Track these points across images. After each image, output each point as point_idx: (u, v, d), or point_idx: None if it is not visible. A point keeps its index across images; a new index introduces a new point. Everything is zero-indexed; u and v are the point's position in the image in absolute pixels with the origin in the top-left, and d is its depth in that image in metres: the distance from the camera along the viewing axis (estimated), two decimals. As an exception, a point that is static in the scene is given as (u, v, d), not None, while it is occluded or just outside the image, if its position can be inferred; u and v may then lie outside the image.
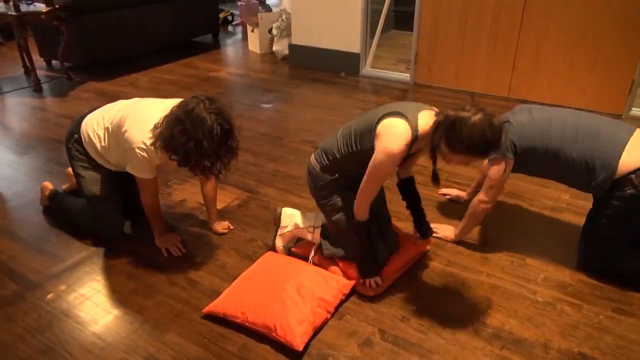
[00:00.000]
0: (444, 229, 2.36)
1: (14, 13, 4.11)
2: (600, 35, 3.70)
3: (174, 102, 2.04)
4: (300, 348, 1.71)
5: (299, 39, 5.04)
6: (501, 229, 2.40)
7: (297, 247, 2.23)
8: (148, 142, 1.97)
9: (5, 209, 2.62)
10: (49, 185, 2.58)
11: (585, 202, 2.64)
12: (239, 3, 6.75)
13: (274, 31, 5.42)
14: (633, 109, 3.81)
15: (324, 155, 1.98)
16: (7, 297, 2.01)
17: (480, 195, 2.16)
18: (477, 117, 1.63)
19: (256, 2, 6.64)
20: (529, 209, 2.62)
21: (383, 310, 1.94)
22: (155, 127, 1.94)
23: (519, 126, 2.07)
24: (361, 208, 1.90)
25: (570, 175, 2.04)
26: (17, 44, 4.44)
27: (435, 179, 1.78)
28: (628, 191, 1.91)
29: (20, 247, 2.32)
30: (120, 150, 2.09)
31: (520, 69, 4.08)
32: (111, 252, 2.28)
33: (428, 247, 2.25)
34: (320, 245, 2.12)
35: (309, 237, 2.17)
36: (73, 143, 2.25)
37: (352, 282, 2.01)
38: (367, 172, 1.80)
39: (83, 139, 2.21)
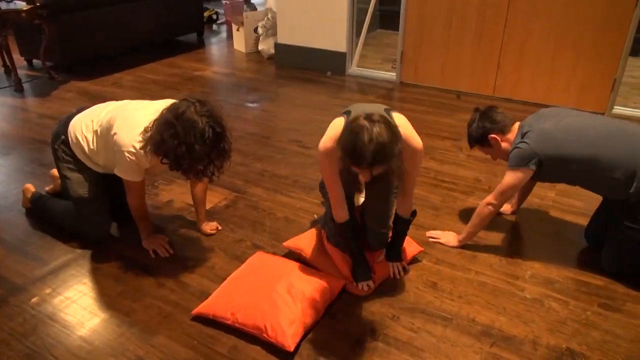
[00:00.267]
0: (446, 235, 2.35)
1: (-7, 11, 4.03)
2: (582, 35, 3.75)
3: (165, 103, 2.01)
4: (292, 349, 1.70)
5: (284, 38, 5.03)
6: (489, 227, 2.42)
7: (289, 242, 2.23)
8: (138, 146, 1.93)
9: (-14, 211, 2.57)
10: (30, 187, 2.54)
11: (571, 199, 2.68)
12: (224, 2, 6.70)
13: (260, 30, 5.40)
14: (615, 107, 3.87)
15: None
16: (-10, 302, 1.97)
17: (489, 198, 2.16)
18: (363, 127, 1.53)
19: (241, 0, 6.60)
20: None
21: (374, 309, 1.95)
22: (146, 130, 1.91)
23: (544, 134, 2.02)
24: (334, 210, 1.92)
25: (603, 181, 1.99)
26: (-4, 43, 4.35)
27: None
28: None
29: (2, 250, 2.27)
30: (110, 153, 2.06)
31: (505, 68, 4.12)
32: (97, 255, 2.25)
33: (422, 249, 2.25)
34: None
35: None
36: (59, 144, 2.20)
37: (343, 282, 2.01)
38: None
39: (70, 141, 2.16)
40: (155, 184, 2.83)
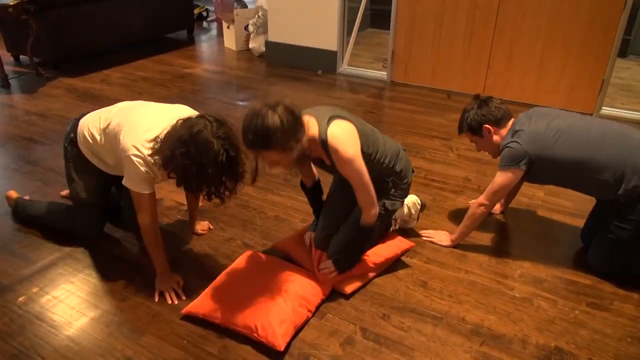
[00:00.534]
0: (439, 235, 2.35)
1: (-21, 6, 3.97)
2: (571, 36, 3.78)
3: (179, 110, 1.94)
4: (282, 348, 1.70)
5: (275, 36, 5.01)
6: (478, 227, 2.43)
7: (279, 243, 2.22)
8: (146, 152, 1.81)
9: (-28, 209, 2.53)
10: (13, 194, 2.49)
11: (559, 199, 2.70)
12: (214, -1, 6.67)
13: (250, 28, 5.37)
14: (603, 107, 3.91)
15: None
16: (-25, 301, 1.94)
17: (481, 199, 2.17)
18: (258, 112, 1.67)
19: (231, -2, 6.56)
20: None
21: (364, 308, 1.95)
22: (156, 140, 1.80)
23: (535, 134, 2.03)
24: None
25: (592, 181, 2.01)
26: (-18, 38, 4.30)
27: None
28: None
29: (-12, 248, 2.24)
30: (118, 157, 1.94)
31: (495, 68, 4.14)
32: (85, 254, 2.22)
33: (412, 244, 2.25)
34: None
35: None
36: (68, 143, 2.12)
37: (332, 283, 2.00)
38: None
39: (78, 139, 2.07)
40: (145, 182, 2.81)
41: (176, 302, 1.95)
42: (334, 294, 2.00)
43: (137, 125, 1.88)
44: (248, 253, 2.16)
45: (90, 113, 2.11)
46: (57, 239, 2.30)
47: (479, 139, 2.24)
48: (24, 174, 2.85)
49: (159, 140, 1.78)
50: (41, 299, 1.96)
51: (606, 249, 2.11)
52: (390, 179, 2.05)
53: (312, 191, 2.17)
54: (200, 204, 2.48)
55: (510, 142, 2.06)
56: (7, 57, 4.93)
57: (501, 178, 2.09)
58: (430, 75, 4.44)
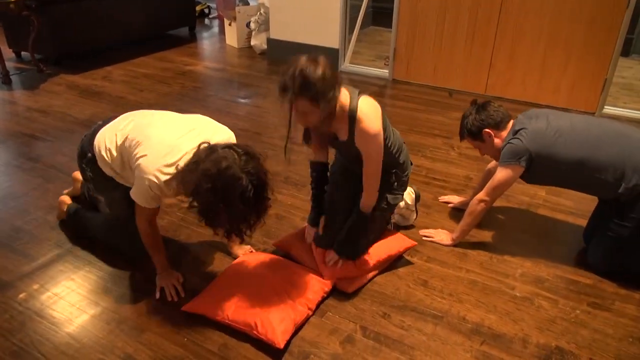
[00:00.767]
0: (439, 234, 2.35)
1: (-20, 2, 3.97)
2: (573, 35, 3.77)
3: (198, 123, 1.90)
4: (282, 346, 1.70)
5: (277, 33, 5.00)
6: (479, 225, 2.43)
7: (278, 241, 2.22)
8: (163, 179, 1.74)
9: (-27, 205, 2.53)
10: (67, 199, 2.38)
11: (561, 198, 2.69)
12: (216, -4, 6.66)
13: (252, 25, 5.36)
14: (606, 107, 3.90)
15: None
16: (-24, 298, 1.94)
17: (482, 195, 2.16)
18: (300, 61, 1.69)
19: (233, -5, 6.56)
20: (506, 205, 2.65)
21: (364, 307, 1.94)
22: (176, 166, 1.73)
23: (536, 133, 2.03)
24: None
25: (592, 181, 2.01)
26: (-16, 35, 4.30)
27: None
28: None
29: (-11, 245, 2.24)
30: (131, 172, 1.89)
31: (497, 67, 4.13)
32: (86, 250, 2.22)
33: (415, 243, 2.24)
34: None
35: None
36: (87, 163, 2.03)
37: (333, 280, 2.00)
38: None
39: (98, 160, 1.98)
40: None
41: (176, 299, 1.95)
42: (334, 292, 2.00)
43: (154, 145, 1.80)
44: (248, 251, 2.16)
45: (104, 128, 2.00)
46: (58, 236, 2.30)
47: (480, 144, 2.24)
48: (25, 170, 2.85)
49: (180, 168, 1.72)
50: (42, 295, 1.96)
51: (606, 247, 2.11)
52: (394, 171, 2.06)
53: (321, 167, 2.10)
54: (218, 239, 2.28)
55: (512, 139, 2.07)
56: (9, 54, 4.93)
57: (501, 174, 2.09)
58: (432, 74, 4.43)
